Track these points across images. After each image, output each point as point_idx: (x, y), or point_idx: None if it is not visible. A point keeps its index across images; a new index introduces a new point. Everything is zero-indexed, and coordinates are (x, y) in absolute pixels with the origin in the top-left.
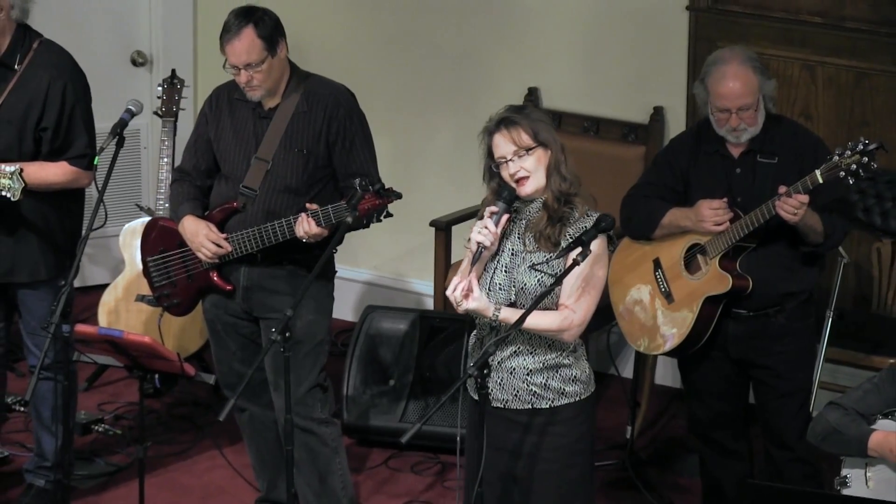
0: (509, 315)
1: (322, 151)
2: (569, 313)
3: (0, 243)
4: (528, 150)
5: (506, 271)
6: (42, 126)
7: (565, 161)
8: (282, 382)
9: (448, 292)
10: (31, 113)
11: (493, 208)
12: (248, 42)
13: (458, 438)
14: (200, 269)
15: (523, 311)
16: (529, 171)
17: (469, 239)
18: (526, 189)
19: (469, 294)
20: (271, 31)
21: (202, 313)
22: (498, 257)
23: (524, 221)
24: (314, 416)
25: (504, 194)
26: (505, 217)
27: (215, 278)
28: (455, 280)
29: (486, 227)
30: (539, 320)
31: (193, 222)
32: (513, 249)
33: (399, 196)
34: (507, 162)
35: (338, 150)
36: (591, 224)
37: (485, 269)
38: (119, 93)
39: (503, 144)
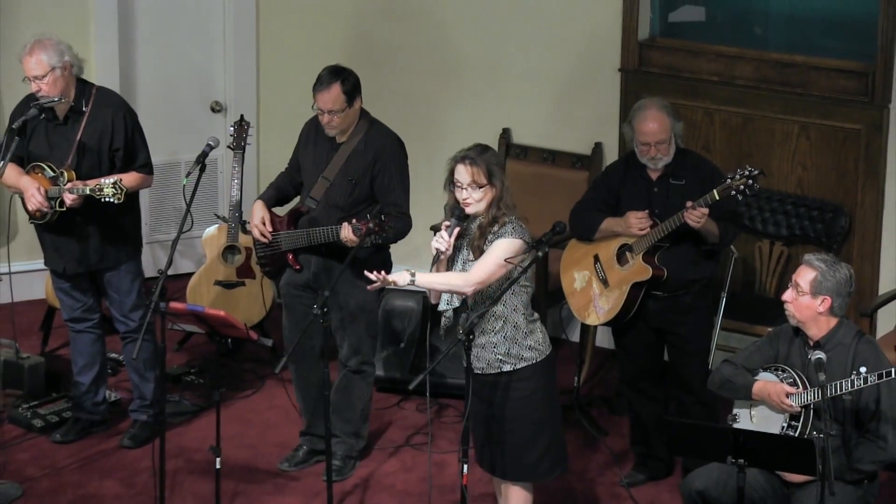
0: (423, 278)
1: (367, 183)
2: (467, 275)
3: (90, 242)
4: (480, 186)
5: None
6: (114, 148)
7: (505, 196)
8: (345, 337)
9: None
10: (104, 140)
11: (447, 223)
12: (334, 94)
13: (427, 384)
14: (282, 249)
15: (436, 273)
16: (476, 200)
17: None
18: (468, 210)
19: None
20: (352, 88)
21: (266, 292)
22: (456, 260)
23: (468, 236)
24: (367, 360)
25: (457, 213)
26: (457, 229)
27: (290, 259)
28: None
29: (441, 237)
30: (446, 279)
31: (259, 209)
32: (463, 258)
33: (390, 227)
34: (461, 188)
35: (378, 182)
36: (503, 234)
37: (447, 269)
38: (201, 132)
39: (463, 174)
